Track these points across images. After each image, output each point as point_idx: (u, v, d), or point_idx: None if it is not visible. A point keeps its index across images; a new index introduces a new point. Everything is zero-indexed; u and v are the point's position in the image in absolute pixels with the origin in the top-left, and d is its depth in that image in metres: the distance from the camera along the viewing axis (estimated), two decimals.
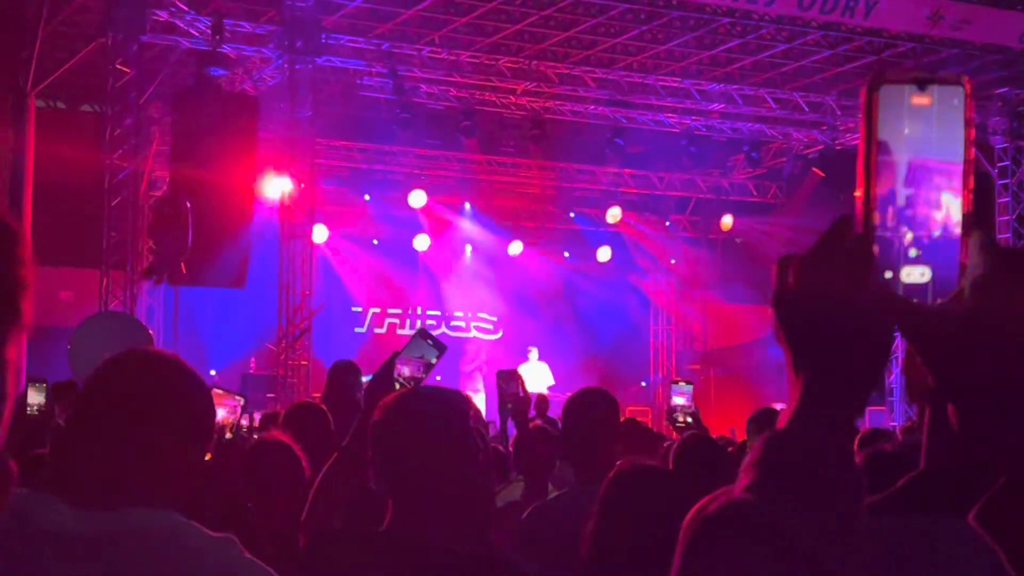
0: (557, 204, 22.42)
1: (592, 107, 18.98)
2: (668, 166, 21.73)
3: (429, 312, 22.38)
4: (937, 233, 1.02)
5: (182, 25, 15.44)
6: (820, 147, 20.55)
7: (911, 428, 7.21)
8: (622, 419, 5.88)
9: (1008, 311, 1.07)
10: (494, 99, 18.53)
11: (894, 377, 19.42)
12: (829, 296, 1.05)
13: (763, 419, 7.11)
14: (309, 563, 2.79)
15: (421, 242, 22.01)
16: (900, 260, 1.02)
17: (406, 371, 3.30)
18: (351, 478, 3.23)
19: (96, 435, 2.10)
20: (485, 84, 18.01)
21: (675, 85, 18.46)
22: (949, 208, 1.02)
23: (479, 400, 17.78)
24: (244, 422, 5.40)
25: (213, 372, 17.46)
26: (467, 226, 22.48)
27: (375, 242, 22.01)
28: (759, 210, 23.31)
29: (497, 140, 20.59)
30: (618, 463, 4.12)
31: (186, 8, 15.32)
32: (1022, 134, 18.99)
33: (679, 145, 19.78)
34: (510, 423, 5.48)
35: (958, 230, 1.02)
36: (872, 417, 19.12)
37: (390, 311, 22.28)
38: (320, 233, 19.20)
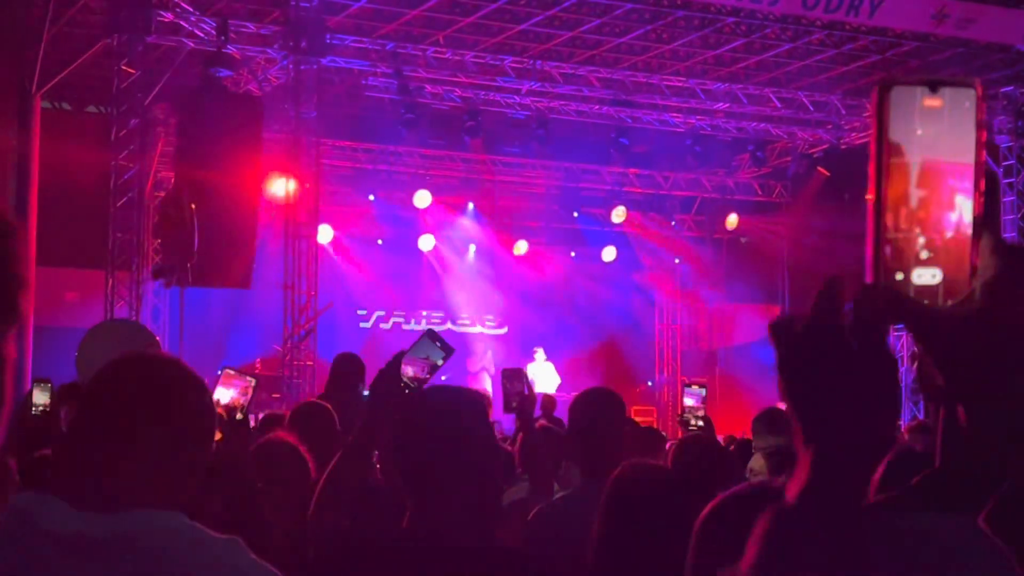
0: (562, 204, 22.41)
1: (597, 107, 18.98)
2: (673, 166, 21.72)
3: (433, 314, 22.38)
4: (949, 235, 1.02)
5: (187, 26, 15.46)
6: (825, 146, 20.55)
7: (916, 428, 7.19)
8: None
9: (1018, 313, 1.07)
10: (499, 99, 18.53)
11: (899, 375, 19.41)
12: (835, 366, 1.05)
13: (768, 418, 7.12)
14: (329, 565, 2.78)
15: (426, 242, 22.02)
16: (911, 262, 1.02)
17: (410, 371, 3.29)
18: (357, 475, 3.23)
19: (99, 437, 2.10)
20: (490, 84, 18.01)
21: (680, 85, 18.46)
22: (961, 210, 1.02)
23: None
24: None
25: (220, 373, 17.46)
26: (471, 226, 22.48)
27: (379, 242, 22.02)
28: (764, 209, 23.30)
29: (502, 140, 20.58)
30: (623, 463, 4.12)
31: (191, 9, 15.33)
32: None
33: (684, 145, 19.77)
34: (514, 421, 5.48)
35: (969, 232, 1.02)
36: None
37: (395, 312, 22.28)
38: (325, 233, 19.20)
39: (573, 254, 23.28)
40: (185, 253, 13.77)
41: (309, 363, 15.36)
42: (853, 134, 20.04)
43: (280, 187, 16.76)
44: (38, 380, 6.77)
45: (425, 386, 3.31)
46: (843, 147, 20.29)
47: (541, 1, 15.85)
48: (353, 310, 21.55)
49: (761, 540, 1.07)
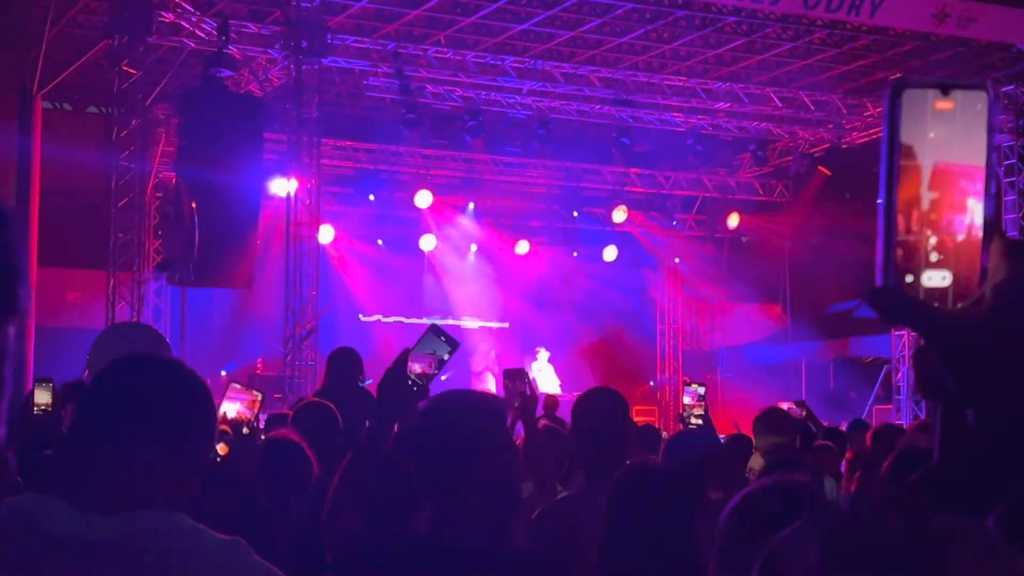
0: (563, 204, 22.41)
1: (598, 106, 18.98)
2: (674, 165, 21.72)
3: (435, 316, 22.36)
4: (960, 237, 1.02)
5: (188, 26, 15.46)
6: (826, 145, 20.55)
7: (920, 427, 7.19)
8: None
9: None
10: (500, 99, 18.53)
11: (900, 375, 19.42)
12: None
13: (768, 418, 7.14)
14: (348, 569, 2.78)
15: (427, 242, 22.02)
16: (921, 264, 1.02)
17: (417, 368, 3.27)
18: (371, 476, 3.23)
19: (100, 438, 2.10)
20: (491, 84, 18.01)
21: (681, 84, 18.46)
22: (972, 212, 1.02)
23: None
24: (262, 423, 5.40)
25: (224, 373, 17.48)
26: (472, 226, 22.49)
27: (379, 242, 22.02)
28: (765, 209, 23.30)
29: (503, 140, 20.58)
30: (626, 463, 4.12)
31: (192, 9, 15.34)
32: None
33: (685, 144, 19.77)
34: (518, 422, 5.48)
35: (980, 234, 1.02)
36: (878, 415, 19.12)
37: (396, 312, 22.27)
38: (326, 234, 19.21)
39: (576, 254, 23.28)
40: (186, 251, 13.79)
41: (311, 363, 15.35)
42: (854, 133, 20.04)
43: (281, 187, 16.76)
44: (39, 380, 6.77)
45: (432, 382, 3.30)
46: (844, 146, 20.29)
47: (542, 1, 15.85)
48: (354, 310, 21.56)
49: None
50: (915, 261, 1.02)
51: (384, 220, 21.63)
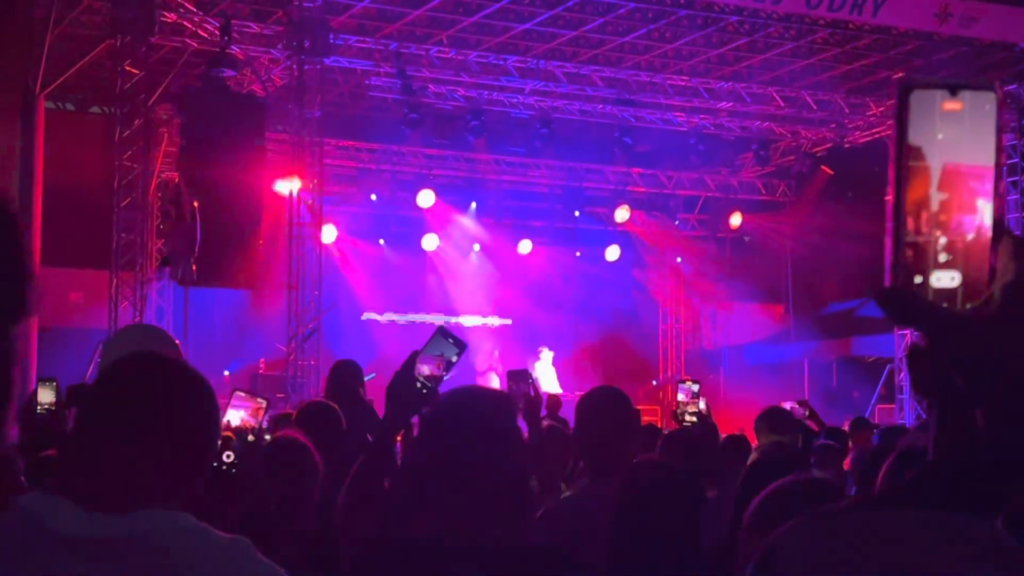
0: (565, 203, 22.40)
1: (600, 106, 18.98)
2: (676, 165, 21.72)
3: (437, 314, 22.36)
4: (969, 237, 1.02)
5: (190, 26, 15.47)
6: (828, 145, 20.56)
7: (922, 426, 7.19)
8: None
9: None
10: (502, 98, 18.54)
11: (903, 375, 19.41)
12: None
13: (770, 417, 7.14)
14: (365, 568, 2.78)
15: (429, 242, 22.02)
16: (930, 265, 1.03)
17: (425, 370, 3.28)
18: (383, 476, 3.24)
19: (103, 437, 2.11)
20: (493, 84, 18.01)
21: (683, 84, 18.46)
22: (982, 213, 1.02)
23: None
24: (265, 423, 5.40)
25: (227, 373, 17.49)
26: (475, 226, 22.49)
27: (381, 242, 22.01)
28: (768, 208, 23.30)
29: (505, 139, 20.58)
30: (631, 462, 4.12)
31: (194, 9, 15.34)
32: None
33: (687, 144, 19.77)
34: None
35: (989, 235, 1.02)
36: (881, 415, 19.13)
37: (399, 312, 22.28)
38: (329, 233, 19.21)
39: (578, 253, 23.28)
40: (187, 251, 13.80)
41: (313, 363, 15.37)
42: (857, 133, 20.05)
43: (284, 187, 16.77)
44: (43, 379, 6.77)
45: (440, 383, 3.30)
46: (847, 146, 20.30)
47: (544, 0, 15.85)
48: (357, 310, 21.56)
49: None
50: (924, 262, 1.03)
51: (386, 220, 21.63)
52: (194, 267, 14.00)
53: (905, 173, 1.02)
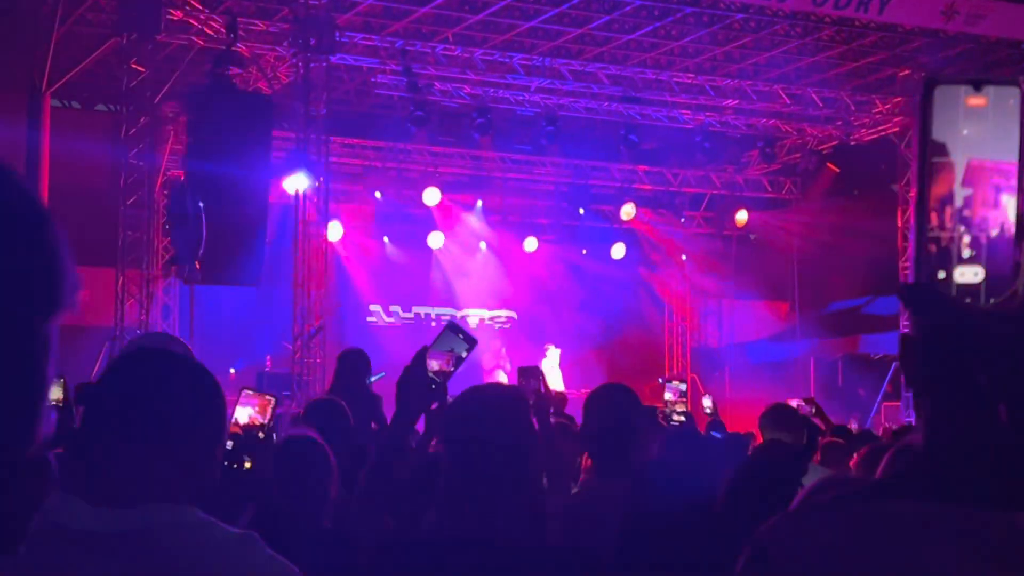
0: (571, 201, 22.39)
1: (606, 103, 18.97)
2: (682, 162, 21.71)
3: (444, 311, 22.37)
4: (994, 233, 1.02)
5: (196, 24, 15.48)
6: (834, 142, 20.53)
7: None
8: None
9: None
10: (508, 96, 18.54)
11: None
12: None
13: (775, 415, 7.13)
14: (381, 565, 2.79)
15: (435, 239, 22.01)
16: (954, 260, 1.02)
17: (435, 365, 3.27)
18: (396, 473, 3.24)
19: (111, 432, 2.11)
20: (499, 81, 18.01)
21: (689, 81, 18.44)
22: (1006, 209, 1.02)
23: None
24: (274, 420, 5.38)
25: (233, 371, 17.49)
26: (480, 223, 22.47)
27: (385, 239, 22.00)
28: (774, 206, 23.27)
29: (511, 137, 20.57)
30: (643, 462, 4.12)
31: (200, 7, 15.35)
32: None
33: (693, 141, 19.75)
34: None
35: (1013, 230, 1.02)
36: (887, 413, 19.11)
37: (405, 310, 22.28)
38: (335, 231, 19.21)
39: (584, 251, 23.26)
40: (192, 248, 13.80)
41: (319, 360, 15.37)
42: (863, 130, 20.02)
43: (290, 185, 16.76)
44: None
45: (450, 379, 3.30)
46: (853, 143, 20.28)
47: None
48: (363, 307, 21.56)
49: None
50: (948, 257, 1.02)
51: (392, 218, 21.62)
52: (198, 265, 14.01)
53: (929, 169, 1.02)
